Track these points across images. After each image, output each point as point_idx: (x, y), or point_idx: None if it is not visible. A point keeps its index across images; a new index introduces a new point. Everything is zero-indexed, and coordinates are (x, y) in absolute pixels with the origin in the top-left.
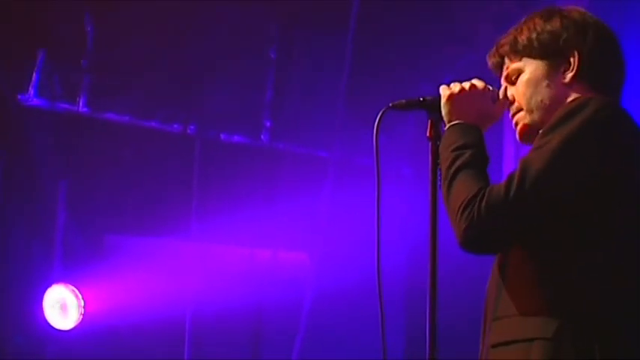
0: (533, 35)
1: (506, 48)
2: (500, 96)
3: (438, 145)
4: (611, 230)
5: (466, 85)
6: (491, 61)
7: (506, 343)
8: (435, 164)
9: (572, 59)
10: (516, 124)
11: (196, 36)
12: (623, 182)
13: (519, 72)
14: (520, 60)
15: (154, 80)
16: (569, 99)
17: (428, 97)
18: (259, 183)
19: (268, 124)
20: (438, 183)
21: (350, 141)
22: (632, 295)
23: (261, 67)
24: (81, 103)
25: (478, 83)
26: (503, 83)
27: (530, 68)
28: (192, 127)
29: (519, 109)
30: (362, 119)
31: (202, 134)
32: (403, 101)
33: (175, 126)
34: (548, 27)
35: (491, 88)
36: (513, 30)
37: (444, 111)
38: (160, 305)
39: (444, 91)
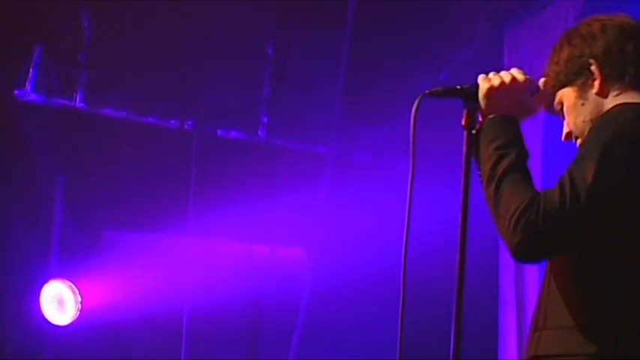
0: (556, 69)
1: (549, 89)
2: (541, 87)
3: (472, 134)
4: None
5: (506, 77)
6: None
7: (547, 357)
8: (469, 154)
9: (592, 68)
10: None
11: (194, 31)
12: None
13: (562, 105)
14: (559, 91)
15: (151, 76)
16: (608, 106)
17: (465, 86)
18: (257, 179)
19: (265, 119)
20: (472, 174)
21: (347, 137)
22: None
23: (259, 63)
24: (78, 99)
25: (519, 76)
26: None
27: (565, 98)
28: (189, 122)
29: (577, 137)
30: (359, 115)
31: (200, 130)
32: (440, 89)
33: (173, 122)
34: (563, 55)
35: (530, 79)
36: (546, 70)
37: (482, 102)
38: (157, 300)
39: (483, 82)
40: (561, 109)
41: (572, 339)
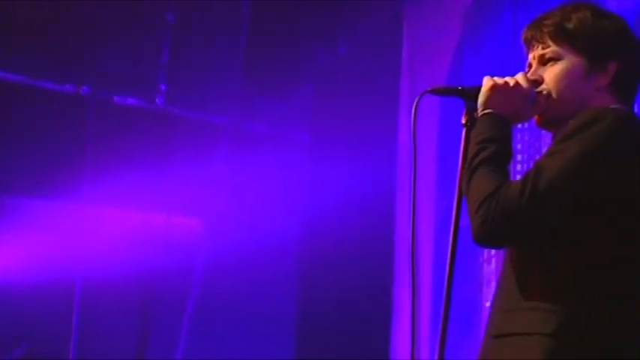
0: (582, 28)
1: (550, 29)
2: (529, 77)
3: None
4: (614, 232)
5: (511, 81)
6: (526, 34)
7: (507, 335)
8: (467, 150)
9: (609, 67)
10: (544, 110)
11: None
12: (631, 193)
13: (558, 58)
14: (559, 46)
15: (48, 40)
16: (593, 105)
17: (466, 87)
18: (153, 147)
19: (164, 87)
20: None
21: (245, 107)
22: (632, 292)
23: (158, 31)
24: None
25: (523, 82)
26: (534, 61)
27: (570, 60)
28: (85, 88)
29: (548, 94)
30: (258, 86)
31: (96, 96)
32: (442, 88)
33: (68, 87)
34: (599, 25)
35: (533, 89)
36: (559, 12)
37: (481, 98)
38: (50, 267)
39: (487, 80)
40: (552, 59)
41: (531, 318)
